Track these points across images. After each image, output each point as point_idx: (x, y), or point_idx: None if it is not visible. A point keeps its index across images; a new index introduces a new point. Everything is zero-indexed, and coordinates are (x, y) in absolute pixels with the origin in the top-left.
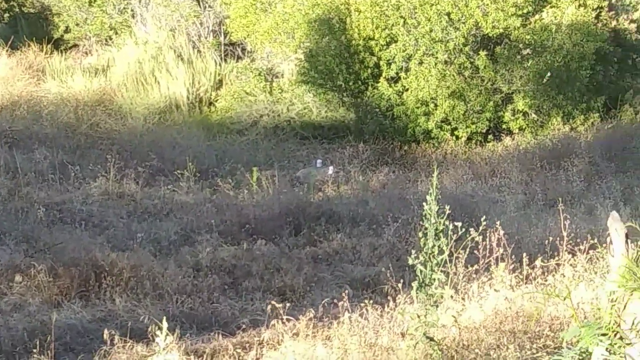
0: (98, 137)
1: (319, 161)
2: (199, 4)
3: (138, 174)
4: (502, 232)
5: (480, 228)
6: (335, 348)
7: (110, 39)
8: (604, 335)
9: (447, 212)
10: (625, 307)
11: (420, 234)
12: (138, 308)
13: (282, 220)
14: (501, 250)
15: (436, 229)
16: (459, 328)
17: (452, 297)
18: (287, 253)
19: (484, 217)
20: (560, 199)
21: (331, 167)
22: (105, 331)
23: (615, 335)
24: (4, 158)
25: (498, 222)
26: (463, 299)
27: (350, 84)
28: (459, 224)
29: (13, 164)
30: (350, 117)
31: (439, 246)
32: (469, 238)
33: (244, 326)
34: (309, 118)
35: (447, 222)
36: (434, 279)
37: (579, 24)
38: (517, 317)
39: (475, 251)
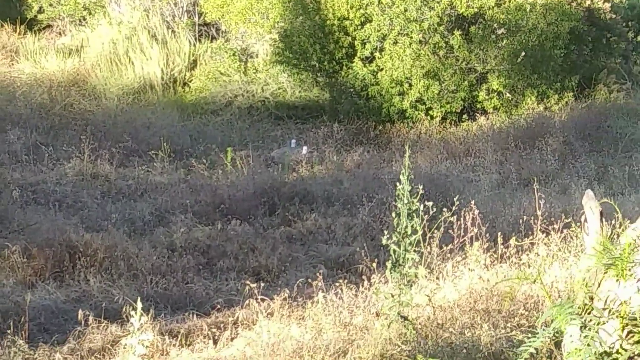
0: (72, 117)
1: (293, 141)
2: None
3: (112, 155)
4: (476, 212)
5: (454, 208)
6: (309, 328)
7: (84, 19)
8: (577, 314)
9: (421, 192)
10: (599, 285)
11: (393, 214)
12: (112, 288)
13: (257, 201)
14: (475, 230)
15: (409, 209)
16: (433, 307)
17: (426, 276)
18: (261, 233)
19: (458, 196)
20: (534, 178)
21: (305, 147)
22: (80, 312)
23: (588, 313)
24: None
25: (473, 202)
26: (437, 278)
27: (325, 64)
28: (431, 204)
29: None
30: (324, 97)
31: (412, 226)
32: (443, 218)
33: (218, 306)
34: (283, 98)
35: (419, 202)
36: (408, 259)
37: (554, 3)
38: (492, 296)
39: (450, 231)
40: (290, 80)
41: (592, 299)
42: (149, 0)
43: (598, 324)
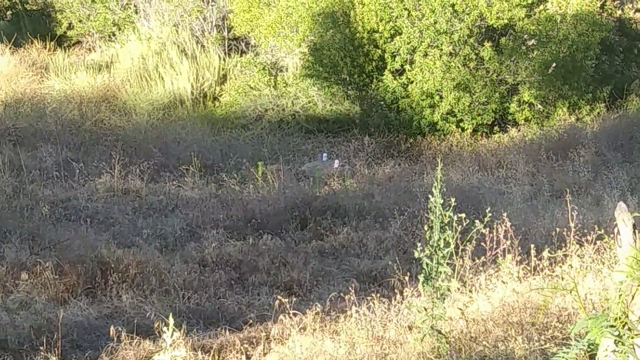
0: (102, 133)
1: (324, 155)
2: None
3: (143, 170)
4: (509, 224)
5: (486, 220)
6: (342, 342)
7: (114, 35)
8: (611, 326)
9: (453, 204)
10: (633, 298)
11: (426, 227)
12: (144, 304)
13: (288, 215)
14: (508, 242)
15: (441, 222)
16: (466, 320)
17: (459, 289)
18: (293, 247)
19: (490, 208)
20: (567, 189)
21: (337, 161)
22: (112, 328)
23: (623, 326)
24: (8, 156)
25: (505, 214)
26: (470, 291)
27: (355, 77)
28: (463, 216)
29: (17, 162)
30: (355, 110)
31: (444, 239)
32: (475, 230)
33: (250, 321)
34: (313, 112)
35: (452, 215)
36: (440, 272)
37: (584, 13)
38: (525, 309)
39: (482, 243)
40: (320, 93)
41: (626, 312)
42: (178, 16)
43: (632, 337)
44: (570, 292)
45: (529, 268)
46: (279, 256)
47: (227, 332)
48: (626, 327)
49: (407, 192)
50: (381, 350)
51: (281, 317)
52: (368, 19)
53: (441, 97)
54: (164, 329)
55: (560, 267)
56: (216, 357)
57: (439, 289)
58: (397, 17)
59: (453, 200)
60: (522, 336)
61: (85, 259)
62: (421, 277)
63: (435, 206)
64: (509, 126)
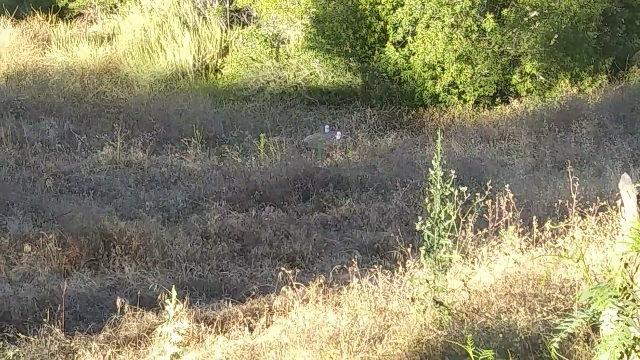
0: (104, 105)
1: (326, 127)
2: None
3: (145, 142)
4: (511, 196)
5: (487, 192)
6: (345, 314)
7: (115, 7)
8: (615, 297)
9: (453, 177)
10: (637, 269)
11: (426, 200)
12: (147, 276)
13: (291, 187)
14: (510, 214)
15: (442, 194)
16: (469, 292)
17: (461, 261)
18: (295, 219)
19: (492, 180)
20: (569, 161)
21: (339, 133)
22: (118, 299)
23: (627, 297)
24: (10, 128)
25: (507, 186)
26: (473, 262)
27: (357, 48)
28: (465, 189)
29: (20, 134)
30: (357, 82)
31: (445, 211)
32: (476, 202)
33: (253, 293)
34: (315, 84)
35: (452, 188)
36: (442, 244)
37: None
38: (527, 280)
39: (485, 215)
40: (322, 65)
41: (630, 284)
42: None
43: (634, 308)
44: (577, 261)
45: (531, 240)
46: (281, 228)
47: (230, 304)
48: (630, 298)
49: (409, 164)
50: (384, 321)
51: (284, 289)
52: None
53: (443, 69)
54: (167, 301)
55: (563, 238)
56: (219, 329)
57: (440, 261)
58: None
59: (453, 172)
60: (524, 307)
61: (88, 231)
62: (422, 250)
63: (435, 179)
64: (511, 98)
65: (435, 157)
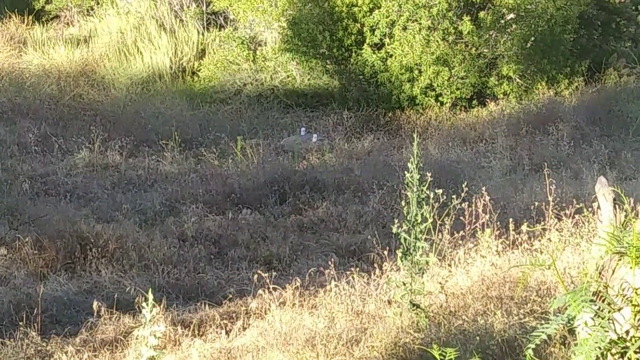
0: (81, 108)
1: (303, 129)
2: None
3: (122, 145)
4: (487, 198)
5: (463, 194)
6: (322, 316)
7: (92, 9)
8: (591, 301)
9: (429, 179)
10: (613, 272)
11: (403, 203)
12: (124, 279)
13: (267, 189)
14: (487, 216)
15: (418, 197)
16: (446, 294)
17: (437, 263)
18: (272, 222)
19: (468, 183)
20: (545, 163)
21: (315, 135)
22: (95, 302)
23: (603, 301)
24: None
25: (484, 188)
26: (449, 265)
27: (334, 51)
28: (440, 191)
29: None
30: (334, 84)
31: (422, 214)
32: (452, 205)
33: (230, 296)
34: (292, 86)
35: (428, 190)
36: (418, 247)
37: None
38: (504, 283)
39: (462, 217)
40: (299, 68)
41: (606, 286)
42: None
43: (610, 311)
44: (549, 267)
45: (507, 242)
46: (258, 231)
47: (207, 306)
48: (605, 301)
49: (386, 166)
50: (360, 324)
51: (260, 291)
52: None
53: (420, 71)
54: (144, 304)
55: (539, 241)
56: (196, 332)
57: (417, 264)
58: None
59: (429, 175)
60: (501, 310)
61: (65, 234)
62: (399, 252)
63: (411, 182)
64: (488, 100)
65: (411, 160)
